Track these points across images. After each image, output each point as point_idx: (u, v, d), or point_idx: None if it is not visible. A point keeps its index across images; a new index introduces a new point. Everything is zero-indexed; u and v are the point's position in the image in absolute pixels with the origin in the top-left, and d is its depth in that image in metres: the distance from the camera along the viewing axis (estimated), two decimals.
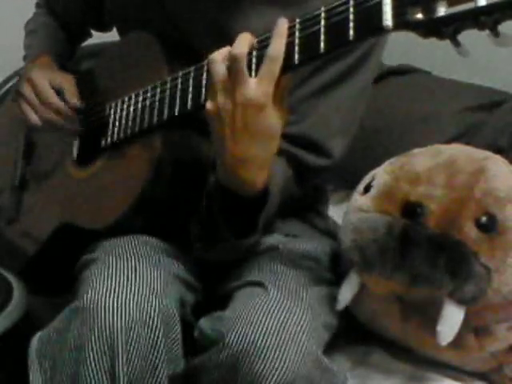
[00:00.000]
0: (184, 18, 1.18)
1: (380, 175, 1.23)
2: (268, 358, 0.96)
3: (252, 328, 0.99)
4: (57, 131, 1.28)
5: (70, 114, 1.25)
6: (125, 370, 0.98)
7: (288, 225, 1.27)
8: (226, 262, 1.19)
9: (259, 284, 1.11)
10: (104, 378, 0.98)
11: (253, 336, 0.98)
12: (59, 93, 1.26)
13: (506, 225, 1.11)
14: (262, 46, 0.94)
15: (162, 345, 1.00)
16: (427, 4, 0.80)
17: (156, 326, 1.00)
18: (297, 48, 0.92)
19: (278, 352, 0.97)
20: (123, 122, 1.18)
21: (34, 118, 1.26)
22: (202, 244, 1.12)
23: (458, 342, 1.12)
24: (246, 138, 0.95)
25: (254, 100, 0.92)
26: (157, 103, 1.11)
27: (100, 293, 1.00)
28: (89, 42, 1.57)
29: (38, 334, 1.07)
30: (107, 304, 0.99)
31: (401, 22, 0.82)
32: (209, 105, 0.96)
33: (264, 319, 1.00)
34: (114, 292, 1.01)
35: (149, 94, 1.13)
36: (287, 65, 0.93)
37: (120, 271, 1.04)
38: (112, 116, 1.21)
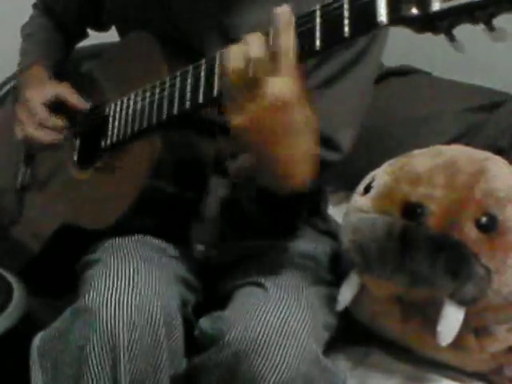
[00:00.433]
0: (184, 18, 1.18)
1: (380, 176, 1.23)
2: (268, 357, 0.96)
3: (252, 328, 0.99)
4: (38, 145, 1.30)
5: (60, 129, 1.27)
6: (127, 369, 0.98)
7: None
8: (226, 262, 1.20)
9: (259, 284, 1.11)
10: (106, 378, 0.98)
11: (253, 336, 0.98)
12: (57, 104, 1.28)
13: (507, 225, 1.11)
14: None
15: (163, 345, 1.00)
16: None
17: (158, 326, 1.00)
18: None
19: (277, 351, 0.97)
20: (123, 122, 1.18)
21: (19, 135, 1.29)
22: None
23: (458, 343, 1.12)
24: (284, 136, 0.91)
25: (284, 97, 0.89)
26: (156, 103, 1.11)
27: (102, 293, 1.00)
28: (89, 42, 1.57)
29: (40, 335, 1.07)
30: (109, 304, 0.99)
31: (395, 18, 0.82)
32: (237, 120, 0.91)
33: (264, 319, 1.00)
34: (116, 292, 1.00)
35: (148, 94, 1.13)
36: None
37: (121, 271, 1.04)
38: (112, 116, 1.21)
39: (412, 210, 1.13)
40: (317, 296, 1.14)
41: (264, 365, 0.96)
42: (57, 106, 1.29)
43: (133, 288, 1.02)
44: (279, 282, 1.10)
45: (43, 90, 1.29)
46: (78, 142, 1.32)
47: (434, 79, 1.96)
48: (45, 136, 1.27)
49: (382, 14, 0.82)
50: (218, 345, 1.00)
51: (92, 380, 0.98)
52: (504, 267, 1.10)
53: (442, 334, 1.09)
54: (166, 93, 1.09)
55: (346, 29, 0.86)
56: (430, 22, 0.81)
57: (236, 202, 1.14)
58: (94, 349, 0.98)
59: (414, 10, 0.81)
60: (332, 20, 0.87)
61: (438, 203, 1.13)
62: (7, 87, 1.63)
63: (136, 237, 1.16)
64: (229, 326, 1.00)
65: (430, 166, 1.18)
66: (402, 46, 1.60)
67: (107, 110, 1.23)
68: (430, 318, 1.13)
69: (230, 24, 1.14)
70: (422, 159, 1.21)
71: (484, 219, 1.11)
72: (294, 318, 1.02)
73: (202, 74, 1.03)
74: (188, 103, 1.05)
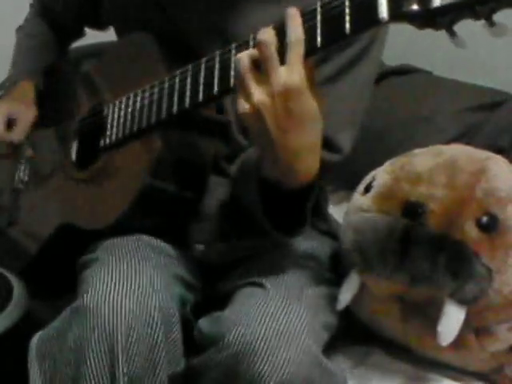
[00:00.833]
0: (183, 19, 1.18)
1: (380, 175, 1.23)
2: (267, 357, 0.96)
3: (251, 328, 0.99)
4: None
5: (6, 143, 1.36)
6: (125, 369, 0.98)
7: None
8: (226, 263, 1.19)
9: (259, 284, 1.10)
10: (104, 378, 0.98)
11: (252, 336, 0.98)
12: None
13: (507, 225, 1.11)
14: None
15: (162, 345, 1.00)
16: None
17: (156, 326, 1.00)
18: None
19: (277, 352, 0.97)
20: (122, 122, 1.18)
21: None
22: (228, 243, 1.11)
23: (458, 343, 1.12)
24: (293, 126, 0.93)
25: (292, 85, 0.90)
26: (155, 102, 1.11)
27: (100, 292, 1.00)
28: (88, 42, 1.57)
29: (38, 334, 1.07)
30: (107, 304, 0.99)
31: (396, 14, 0.82)
32: (243, 105, 0.93)
33: (263, 319, 1.00)
34: (115, 292, 1.00)
35: (147, 94, 1.13)
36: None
37: (120, 271, 1.04)
38: (110, 116, 1.21)
39: (412, 210, 1.13)
40: (317, 296, 1.13)
41: (263, 366, 0.95)
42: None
43: (131, 288, 1.01)
44: (279, 282, 1.10)
45: (13, 106, 1.36)
46: (76, 142, 1.32)
47: (435, 78, 1.96)
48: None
49: (383, 11, 0.82)
50: (217, 345, 1.00)
51: (90, 380, 0.98)
52: (505, 267, 1.10)
53: (443, 334, 1.09)
54: (165, 92, 1.09)
55: (347, 25, 0.86)
56: (430, 18, 0.81)
57: (235, 201, 1.14)
58: (92, 349, 0.98)
59: (415, 6, 0.81)
60: (333, 17, 0.88)
61: (438, 203, 1.13)
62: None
63: (135, 236, 1.15)
64: (228, 327, 1.00)
65: (430, 166, 1.18)
66: (402, 45, 1.61)
67: (106, 109, 1.23)
68: (430, 317, 1.13)
69: (227, 24, 1.15)
70: (422, 159, 1.21)
71: (485, 219, 1.11)
72: (293, 318, 1.02)
73: (202, 73, 1.03)
74: (188, 102, 1.05)
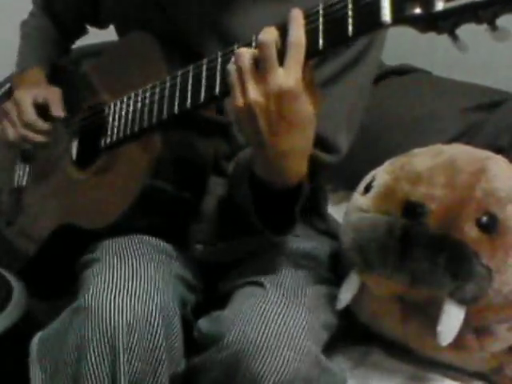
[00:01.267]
0: (183, 19, 1.18)
1: (380, 175, 1.23)
2: (267, 357, 0.96)
3: (251, 328, 0.99)
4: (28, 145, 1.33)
5: (46, 131, 1.30)
6: (126, 369, 0.98)
7: None
8: (226, 262, 1.19)
9: (258, 284, 1.11)
10: (105, 378, 0.98)
11: (252, 336, 0.98)
12: (44, 107, 1.31)
13: (507, 225, 1.11)
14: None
15: (163, 344, 1.00)
16: None
17: (157, 326, 1.00)
18: None
19: (277, 352, 0.97)
20: (122, 121, 1.18)
21: (11, 134, 1.31)
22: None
23: (458, 343, 1.12)
24: (285, 129, 0.93)
25: (288, 88, 0.90)
26: (156, 102, 1.11)
27: (101, 292, 1.00)
28: (89, 42, 1.57)
29: (39, 334, 1.07)
30: (108, 304, 0.99)
31: (399, 17, 0.82)
32: (237, 101, 0.93)
33: (263, 319, 1.00)
34: (115, 292, 1.00)
35: (148, 94, 1.13)
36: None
37: (121, 271, 1.04)
38: (111, 116, 1.21)
39: (412, 210, 1.13)
40: (317, 295, 1.14)
41: (263, 366, 0.96)
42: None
43: (132, 288, 1.01)
44: (279, 282, 1.10)
45: (34, 92, 1.31)
46: (76, 142, 1.32)
47: (434, 78, 1.96)
48: (32, 137, 1.30)
49: (386, 14, 0.82)
50: (217, 346, 1.00)
51: (91, 380, 0.98)
52: (504, 266, 1.10)
53: (443, 334, 1.09)
54: (166, 92, 1.09)
55: (350, 28, 0.86)
56: (433, 22, 0.81)
57: (235, 202, 1.14)
58: (92, 349, 0.98)
59: (418, 10, 0.81)
60: (336, 19, 0.87)
61: (438, 203, 1.13)
62: (7, 86, 1.63)
63: (135, 236, 1.16)
64: (228, 327, 1.00)
65: (430, 166, 1.18)
66: (402, 46, 1.60)
67: (106, 109, 1.23)
68: (430, 317, 1.13)
69: (227, 24, 1.14)
70: (422, 158, 1.21)
71: (484, 218, 1.11)
72: (293, 318, 1.02)
73: (203, 73, 1.03)
74: (189, 103, 1.05)
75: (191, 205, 1.17)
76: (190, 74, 1.05)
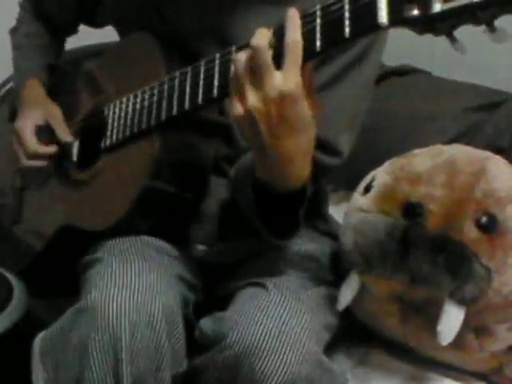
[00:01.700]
0: (182, 20, 1.18)
1: (380, 175, 1.23)
2: (269, 358, 0.96)
3: (253, 328, 0.99)
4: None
5: (52, 154, 1.31)
6: (128, 369, 0.98)
7: None
8: (227, 263, 1.20)
9: (260, 284, 1.11)
10: (108, 378, 0.98)
11: (254, 336, 0.98)
12: (47, 131, 1.31)
13: (507, 225, 1.11)
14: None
15: (165, 345, 1.00)
16: (423, 0, 0.80)
17: (160, 326, 1.00)
18: None
19: (278, 352, 0.97)
20: (122, 122, 1.18)
21: (22, 162, 1.33)
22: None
23: (458, 343, 1.12)
24: (286, 132, 0.91)
25: (287, 92, 0.88)
26: (155, 104, 1.11)
27: (103, 293, 1.00)
28: (89, 42, 1.57)
29: (42, 334, 1.07)
30: (111, 304, 0.99)
31: (396, 19, 0.81)
32: (236, 108, 0.91)
33: (265, 320, 1.00)
34: (118, 292, 1.00)
35: (147, 95, 1.13)
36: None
37: (123, 271, 1.04)
38: (111, 117, 1.21)
39: (412, 210, 1.13)
40: (318, 296, 1.14)
41: (265, 367, 0.96)
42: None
43: (134, 288, 1.02)
44: (280, 283, 1.10)
45: (34, 116, 1.32)
46: (77, 143, 1.32)
47: (434, 79, 1.96)
48: (36, 164, 1.31)
49: (383, 15, 0.82)
50: (219, 346, 1.00)
51: (94, 380, 0.98)
52: (504, 267, 1.10)
53: (443, 334, 1.09)
54: (165, 94, 1.09)
55: (347, 30, 0.85)
56: (430, 24, 0.81)
57: (236, 203, 1.14)
58: (95, 349, 0.98)
59: (415, 12, 0.80)
60: (333, 21, 0.87)
61: (438, 203, 1.13)
62: (8, 86, 1.63)
63: (137, 237, 1.16)
64: (230, 328, 1.00)
65: (430, 166, 1.18)
66: (402, 46, 1.60)
67: (106, 110, 1.22)
68: (430, 317, 1.13)
69: (225, 26, 1.14)
70: (422, 159, 1.21)
71: (484, 219, 1.11)
72: (294, 319, 1.02)
73: (201, 75, 1.02)
74: (187, 104, 1.05)
75: (192, 206, 1.17)
76: (188, 76, 1.05)
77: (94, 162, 1.23)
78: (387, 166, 1.25)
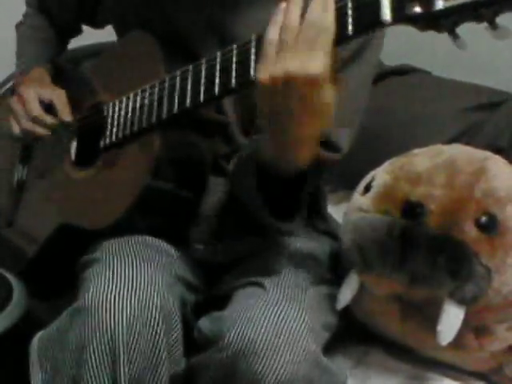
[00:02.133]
0: (182, 19, 1.18)
1: (380, 175, 1.23)
2: (267, 357, 0.96)
3: (251, 328, 0.99)
4: (34, 139, 1.31)
5: (51, 126, 1.27)
6: (126, 369, 0.98)
7: None
8: (226, 262, 1.19)
9: (259, 284, 1.11)
10: (105, 378, 0.98)
11: (252, 336, 0.98)
12: (49, 107, 1.28)
13: (507, 225, 1.11)
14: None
15: (163, 344, 1.00)
16: None
17: (157, 326, 1.00)
18: None
19: (277, 352, 0.97)
20: (122, 121, 1.18)
21: (15, 129, 1.29)
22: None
23: (458, 342, 1.12)
24: (309, 116, 0.92)
25: (314, 72, 0.88)
26: (155, 102, 1.11)
27: (101, 292, 1.00)
28: (89, 41, 1.57)
29: (39, 334, 1.07)
30: (109, 304, 0.99)
31: (399, 16, 0.82)
32: (263, 73, 0.90)
33: (263, 319, 1.00)
34: (116, 292, 1.00)
35: (147, 94, 1.13)
36: None
37: (121, 271, 1.04)
38: (110, 116, 1.21)
39: (412, 210, 1.13)
40: (317, 296, 1.14)
41: (263, 366, 0.96)
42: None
43: (132, 288, 1.02)
44: (279, 282, 1.10)
45: (40, 90, 1.30)
46: (75, 142, 1.32)
47: (434, 78, 1.96)
48: (39, 131, 1.27)
49: (386, 13, 0.82)
50: (217, 345, 1.00)
51: (91, 380, 0.98)
52: (504, 267, 1.10)
53: (442, 334, 1.10)
54: (166, 92, 1.09)
55: (350, 27, 0.86)
56: (433, 21, 0.81)
57: (235, 201, 1.14)
58: (93, 349, 0.98)
59: (418, 9, 0.81)
60: (336, 19, 0.87)
61: (437, 203, 1.13)
62: (8, 85, 1.63)
63: (136, 237, 1.16)
64: (228, 327, 1.00)
65: (429, 166, 1.18)
66: (401, 45, 1.61)
67: (106, 109, 1.22)
68: (429, 317, 1.13)
69: (225, 24, 1.14)
70: (422, 159, 1.21)
71: (484, 219, 1.11)
72: (293, 319, 1.02)
73: (203, 73, 1.03)
74: (188, 102, 1.05)
75: (191, 205, 1.17)
76: (190, 74, 1.05)
77: (93, 161, 1.23)
78: (387, 165, 1.25)
